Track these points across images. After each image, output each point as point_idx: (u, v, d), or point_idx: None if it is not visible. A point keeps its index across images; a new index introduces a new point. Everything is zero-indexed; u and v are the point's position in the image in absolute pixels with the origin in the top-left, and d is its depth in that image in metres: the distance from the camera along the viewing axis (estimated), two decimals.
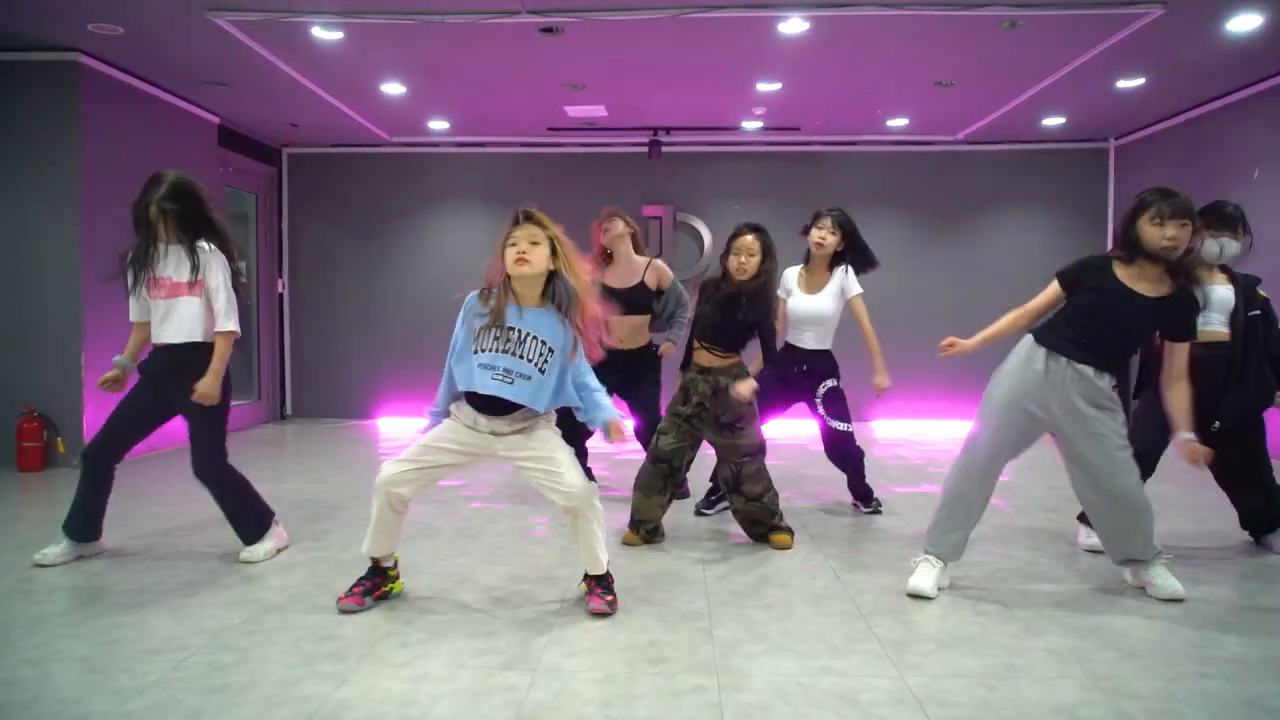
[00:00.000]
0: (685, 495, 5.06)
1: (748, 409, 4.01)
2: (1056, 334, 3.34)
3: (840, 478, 5.00)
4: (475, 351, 3.08)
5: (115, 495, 3.93)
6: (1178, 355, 3.36)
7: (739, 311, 3.98)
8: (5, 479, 5.82)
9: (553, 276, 3.13)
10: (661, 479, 4.09)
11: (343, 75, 6.76)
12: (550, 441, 3.17)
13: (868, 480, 4.89)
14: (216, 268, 3.74)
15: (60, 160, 6.19)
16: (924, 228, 9.18)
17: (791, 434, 7.31)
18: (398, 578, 3.36)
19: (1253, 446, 3.95)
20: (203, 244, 3.76)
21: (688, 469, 4.26)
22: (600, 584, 3.24)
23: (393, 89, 7.15)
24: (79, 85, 6.20)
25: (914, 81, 6.96)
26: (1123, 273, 3.30)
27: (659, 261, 5.16)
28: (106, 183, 6.24)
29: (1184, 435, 3.38)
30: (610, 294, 4.89)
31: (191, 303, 3.72)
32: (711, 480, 4.70)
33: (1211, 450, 3.44)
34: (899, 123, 8.39)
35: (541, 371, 3.07)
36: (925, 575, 3.41)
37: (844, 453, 4.75)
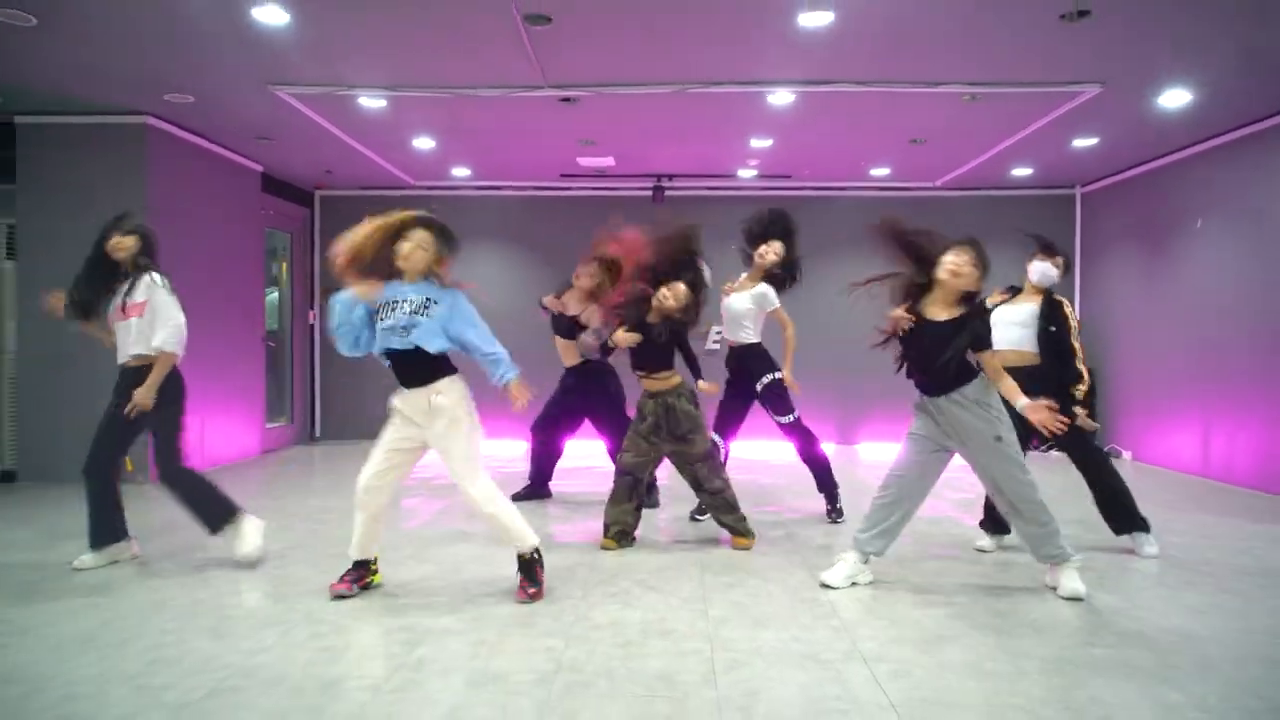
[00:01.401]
0: (655, 505, 5.90)
1: (695, 421, 4.83)
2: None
3: (815, 491, 5.74)
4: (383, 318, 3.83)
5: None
6: (987, 362, 3.97)
7: (659, 335, 4.79)
8: (81, 497, 6.54)
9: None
10: (627, 489, 4.90)
11: (379, 134, 7.57)
12: (458, 429, 3.80)
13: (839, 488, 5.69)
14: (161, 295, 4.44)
15: (131, 205, 6.94)
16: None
17: (777, 457, 8.05)
18: (377, 571, 4.06)
19: (1079, 446, 4.70)
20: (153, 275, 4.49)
21: (651, 480, 5.02)
22: (527, 574, 3.92)
23: (423, 144, 7.96)
24: (147, 143, 7.01)
25: (891, 139, 7.77)
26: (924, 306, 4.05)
27: (595, 308, 5.95)
28: (169, 227, 7.01)
29: (1022, 402, 3.92)
30: (556, 317, 6.00)
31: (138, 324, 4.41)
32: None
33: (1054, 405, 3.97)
34: (881, 171, 9.21)
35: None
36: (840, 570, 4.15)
37: (805, 452, 5.55)
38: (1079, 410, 4.60)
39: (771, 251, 5.55)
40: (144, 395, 4.35)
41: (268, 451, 9.11)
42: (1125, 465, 8.51)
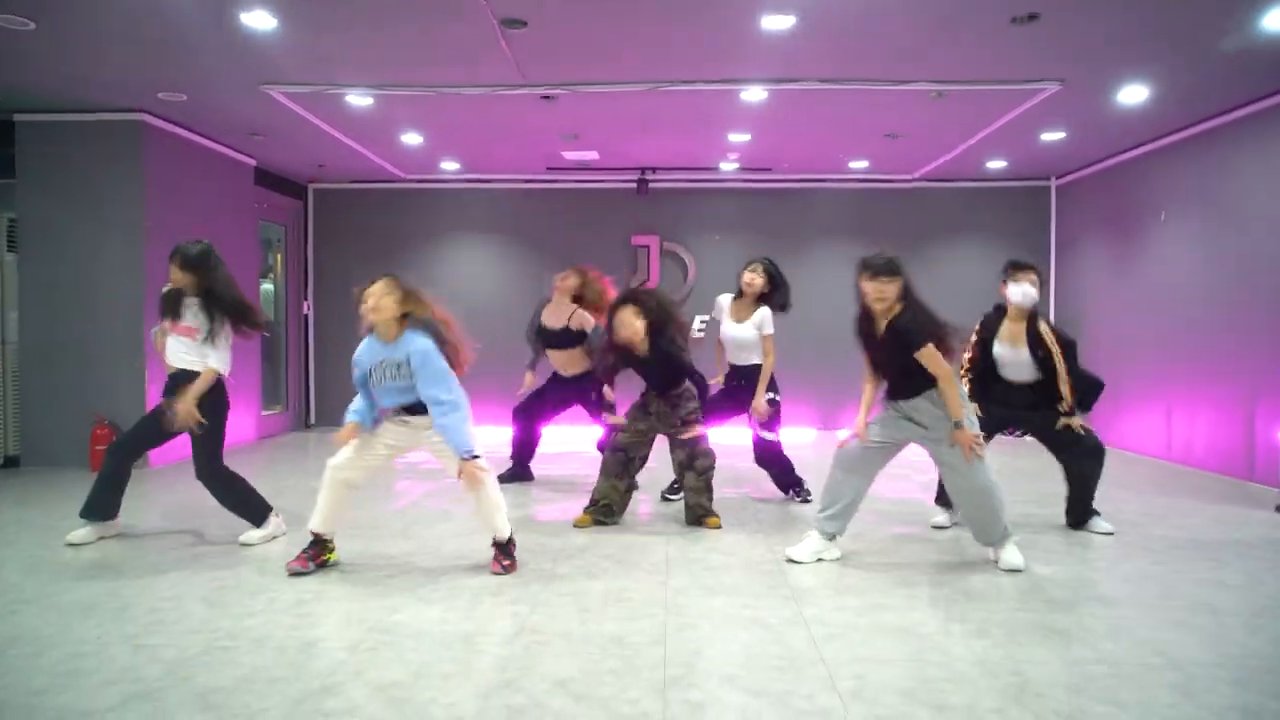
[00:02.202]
0: (635, 487, 6.13)
1: (697, 408, 5.16)
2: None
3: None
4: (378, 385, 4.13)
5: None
6: (925, 360, 4.13)
7: (656, 368, 5.11)
8: (82, 480, 6.82)
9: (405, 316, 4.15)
10: (620, 465, 5.16)
11: (368, 130, 7.81)
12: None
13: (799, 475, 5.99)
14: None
15: (127, 201, 7.24)
16: None
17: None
18: (334, 549, 4.27)
19: (1077, 448, 5.01)
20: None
21: (641, 465, 5.28)
22: (501, 550, 4.21)
23: (411, 139, 8.20)
24: (143, 139, 7.25)
25: (866, 134, 8.01)
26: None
27: (581, 311, 6.24)
28: (165, 220, 7.29)
29: (959, 421, 4.16)
30: (542, 331, 6.32)
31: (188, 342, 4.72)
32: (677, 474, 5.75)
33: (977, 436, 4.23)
34: (860, 164, 9.44)
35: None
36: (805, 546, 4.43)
37: (768, 457, 5.88)
38: (1074, 422, 4.92)
39: (755, 275, 5.75)
40: (189, 408, 4.58)
41: (264, 438, 9.38)
42: None
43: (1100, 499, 5.16)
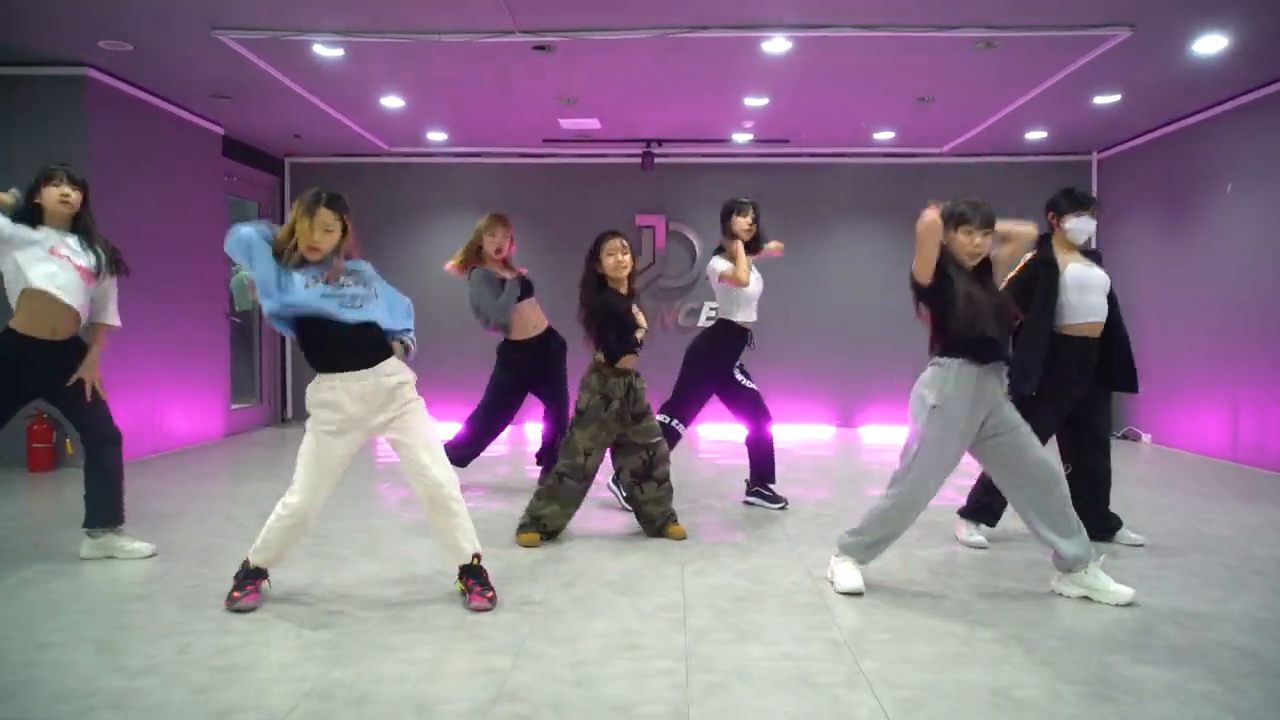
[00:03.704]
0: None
1: (647, 403, 4.37)
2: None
3: (814, 481, 5.20)
4: (305, 287, 3.23)
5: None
6: None
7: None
8: (17, 479, 6.02)
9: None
10: (580, 496, 4.35)
11: (343, 89, 6.98)
12: (418, 420, 3.37)
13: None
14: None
15: (71, 166, 6.39)
16: (911, 239, 9.35)
17: (793, 440, 7.52)
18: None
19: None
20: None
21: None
22: (474, 577, 3.38)
23: (391, 102, 7.38)
24: (87, 98, 6.42)
25: (896, 97, 7.18)
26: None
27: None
28: (116, 193, 6.45)
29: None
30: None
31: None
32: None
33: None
34: (885, 136, 8.61)
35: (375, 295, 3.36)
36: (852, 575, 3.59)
37: (762, 441, 5.13)
38: None
39: (750, 220, 5.04)
40: (94, 371, 3.97)
41: (233, 434, 8.58)
42: (1145, 449, 7.98)
43: (1172, 505, 4.42)
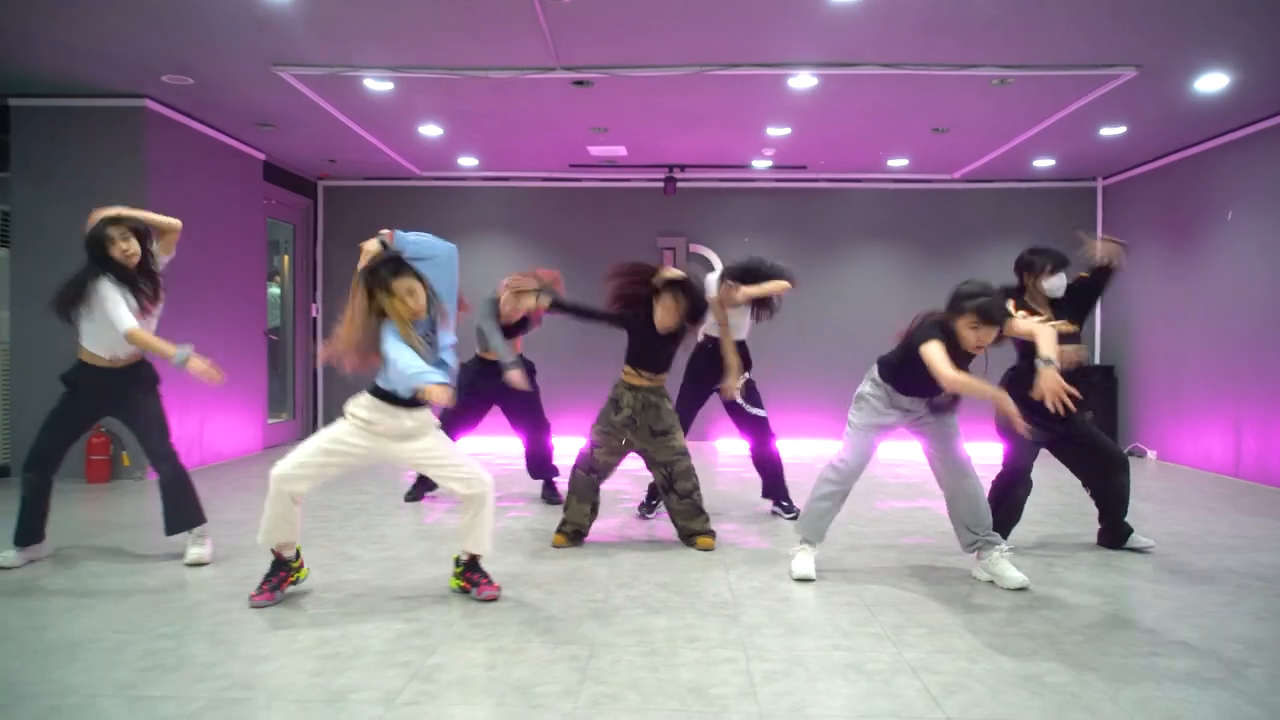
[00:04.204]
0: (597, 509, 5.68)
1: (674, 420, 4.67)
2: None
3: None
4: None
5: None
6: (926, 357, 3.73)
7: (671, 346, 4.66)
8: (76, 490, 6.32)
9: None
10: (590, 487, 4.72)
11: (385, 119, 7.33)
12: (438, 438, 3.70)
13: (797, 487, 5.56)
14: None
15: (128, 194, 6.70)
16: (920, 261, 9.72)
17: (801, 454, 7.82)
18: (301, 566, 3.77)
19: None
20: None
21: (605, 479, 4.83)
22: (479, 570, 3.75)
23: (430, 130, 7.72)
24: (145, 127, 6.77)
25: (913, 127, 7.53)
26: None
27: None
28: (171, 212, 6.73)
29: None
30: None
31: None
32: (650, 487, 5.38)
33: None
34: (899, 162, 8.96)
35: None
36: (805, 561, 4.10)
37: (766, 458, 5.45)
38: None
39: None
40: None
41: (270, 447, 8.88)
42: (1150, 465, 8.29)
43: (1179, 518, 4.72)
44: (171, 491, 4.39)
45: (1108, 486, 4.62)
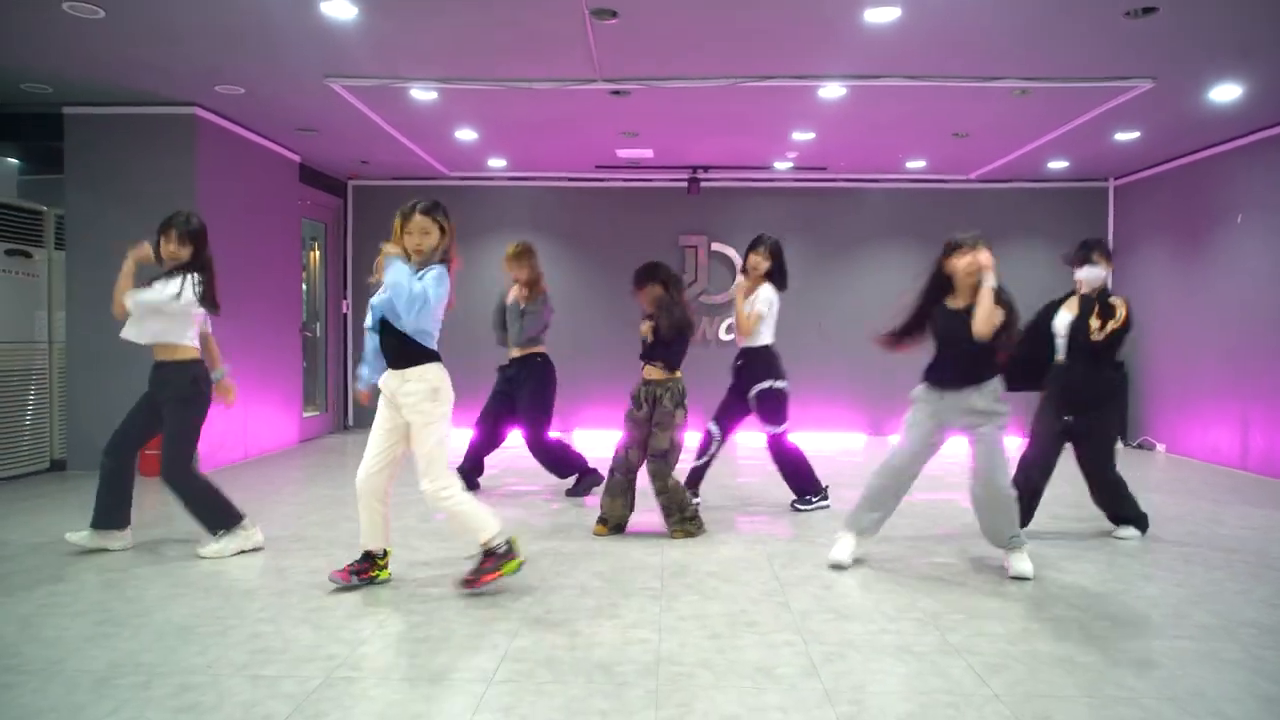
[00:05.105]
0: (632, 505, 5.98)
1: (668, 420, 4.95)
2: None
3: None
4: None
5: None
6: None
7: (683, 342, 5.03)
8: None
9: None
10: (625, 486, 5.06)
11: (424, 125, 7.58)
12: (430, 427, 3.81)
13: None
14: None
15: (178, 197, 6.98)
16: (935, 257, 9.94)
17: (816, 447, 8.09)
18: (386, 567, 4.04)
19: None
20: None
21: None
22: (491, 557, 3.89)
23: (465, 135, 7.98)
24: (196, 133, 7.04)
25: (934, 132, 7.78)
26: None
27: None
28: (214, 221, 7.02)
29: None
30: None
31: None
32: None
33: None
34: (917, 164, 9.21)
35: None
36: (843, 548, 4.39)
37: (780, 455, 5.72)
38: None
39: (760, 258, 5.65)
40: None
41: (305, 440, 9.17)
42: (1159, 457, 8.56)
43: (1189, 510, 5.07)
44: (187, 505, 4.60)
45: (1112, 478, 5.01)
